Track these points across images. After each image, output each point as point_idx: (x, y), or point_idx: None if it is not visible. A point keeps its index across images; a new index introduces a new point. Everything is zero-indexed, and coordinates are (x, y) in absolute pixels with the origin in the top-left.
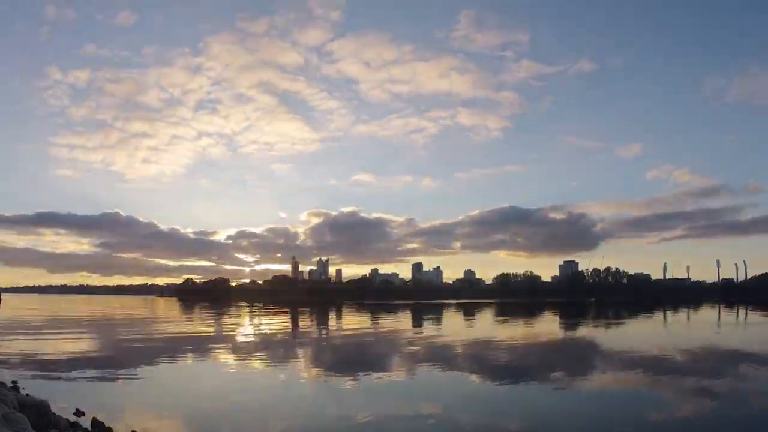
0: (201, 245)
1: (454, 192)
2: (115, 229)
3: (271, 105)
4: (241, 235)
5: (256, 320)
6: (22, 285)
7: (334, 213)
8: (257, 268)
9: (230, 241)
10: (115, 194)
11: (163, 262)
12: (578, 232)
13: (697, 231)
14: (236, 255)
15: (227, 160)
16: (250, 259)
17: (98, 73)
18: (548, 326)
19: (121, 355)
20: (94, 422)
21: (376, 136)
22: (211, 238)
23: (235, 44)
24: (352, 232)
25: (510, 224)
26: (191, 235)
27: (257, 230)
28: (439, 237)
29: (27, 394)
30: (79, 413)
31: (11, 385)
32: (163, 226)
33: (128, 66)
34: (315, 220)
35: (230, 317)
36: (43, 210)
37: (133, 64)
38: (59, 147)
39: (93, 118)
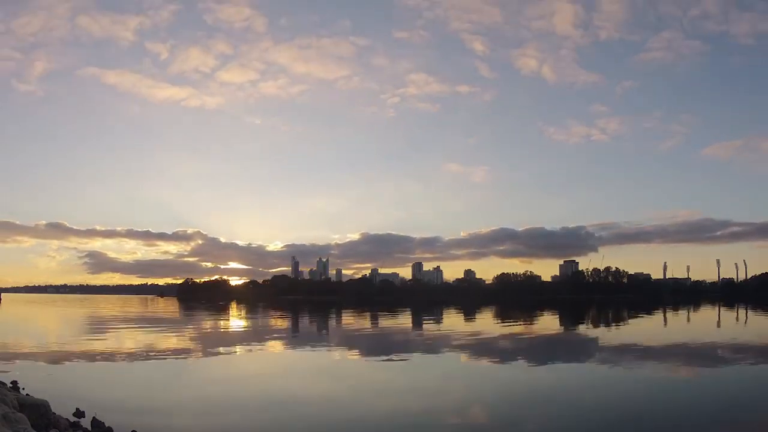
0: (250, 253)
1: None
2: (185, 241)
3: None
4: (289, 246)
5: (250, 319)
6: (22, 285)
7: (372, 232)
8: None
9: (273, 250)
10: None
11: (208, 265)
12: (577, 239)
13: (691, 237)
14: (273, 260)
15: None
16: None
17: None
18: (549, 324)
19: (119, 355)
20: (94, 422)
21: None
22: (268, 249)
23: None
24: (380, 245)
25: (510, 238)
26: (242, 245)
27: (306, 243)
28: (445, 247)
29: (27, 394)
30: (79, 413)
31: (11, 385)
32: (223, 239)
33: None
34: (355, 237)
35: (226, 316)
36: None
37: None
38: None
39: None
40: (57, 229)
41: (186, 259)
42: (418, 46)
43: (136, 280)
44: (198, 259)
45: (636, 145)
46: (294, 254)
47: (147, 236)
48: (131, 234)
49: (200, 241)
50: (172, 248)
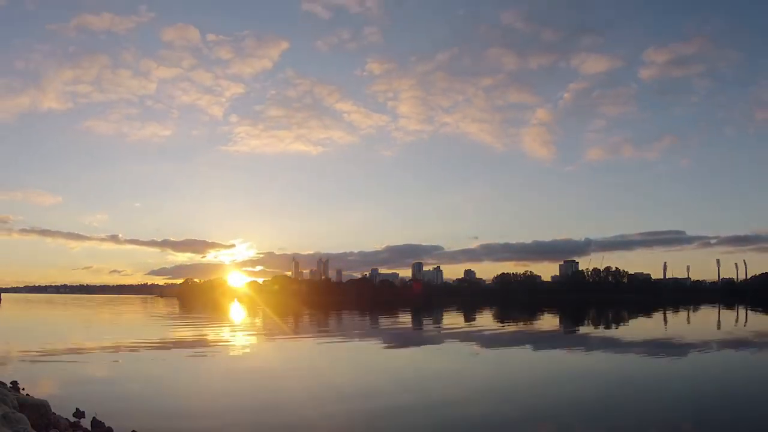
0: (285, 260)
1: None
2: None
3: None
4: (319, 254)
5: (248, 318)
6: (22, 285)
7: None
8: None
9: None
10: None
11: (247, 269)
12: (573, 246)
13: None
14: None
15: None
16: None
17: None
18: (551, 324)
19: (119, 355)
20: (94, 422)
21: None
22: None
23: None
24: (391, 252)
25: (509, 248)
26: (278, 253)
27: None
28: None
29: (27, 394)
30: (79, 413)
31: (11, 385)
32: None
33: None
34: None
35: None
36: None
37: None
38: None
39: None
40: (113, 240)
41: (227, 263)
42: None
43: (139, 280)
44: (236, 264)
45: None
46: (326, 260)
47: (195, 244)
48: (187, 243)
49: (243, 249)
50: (221, 255)
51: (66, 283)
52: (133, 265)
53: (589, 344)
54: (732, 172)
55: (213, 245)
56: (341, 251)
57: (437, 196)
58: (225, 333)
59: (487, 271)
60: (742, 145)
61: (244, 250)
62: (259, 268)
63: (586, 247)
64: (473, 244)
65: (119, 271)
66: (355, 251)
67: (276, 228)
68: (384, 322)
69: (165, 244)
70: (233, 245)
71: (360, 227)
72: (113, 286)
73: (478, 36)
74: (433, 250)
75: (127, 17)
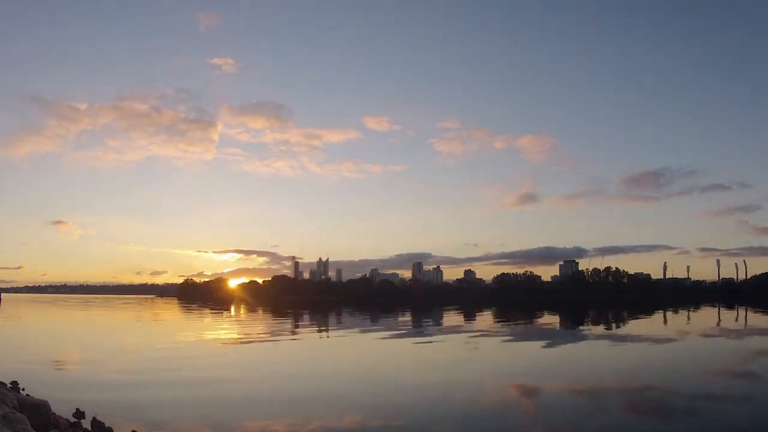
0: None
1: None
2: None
3: None
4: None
5: (241, 317)
6: (21, 285)
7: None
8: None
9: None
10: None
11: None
12: (574, 251)
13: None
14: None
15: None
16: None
17: None
18: (548, 322)
19: (120, 355)
20: (94, 422)
21: None
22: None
23: None
24: (402, 259)
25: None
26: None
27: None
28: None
29: (27, 394)
30: (79, 413)
31: (11, 385)
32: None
33: None
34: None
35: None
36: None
37: None
38: None
39: None
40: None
41: (258, 268)
42: None
43: (137, 280)
44: (271, 268)
45: None
46: (341, 267)
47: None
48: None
49: (275, 257)
50: (260, 261)
51: (67, 282)
52: (173, 268)
53: (589, 341)
54: None
55: (251, 251)
56: (358, 259)
57: (445, 210)
58: (212, 331)
59: (487, 272)
60: None
61: (278, 256)
62: (285, 272)
63: (581, 253)
64: (474, 252)
65: (160, 273)
66: (373, 259)
67: (308, 239)
68: (384, 322)
69: (206, 250)
70: (271, 253)
71: (374, 236)
72: (113, 285)
73: None
74: (436, 255)
75: None
